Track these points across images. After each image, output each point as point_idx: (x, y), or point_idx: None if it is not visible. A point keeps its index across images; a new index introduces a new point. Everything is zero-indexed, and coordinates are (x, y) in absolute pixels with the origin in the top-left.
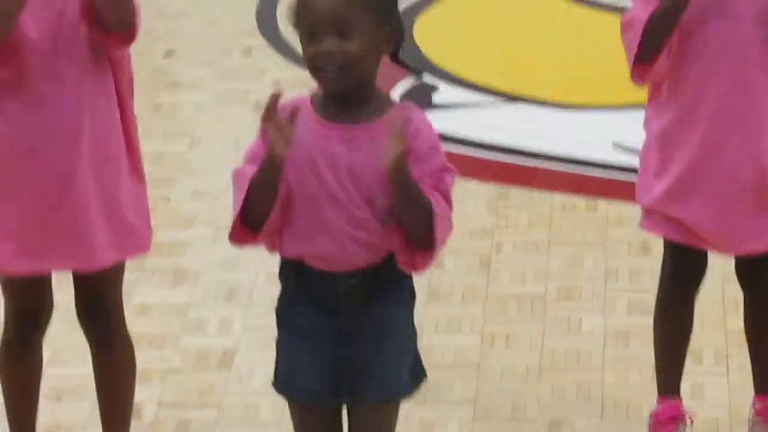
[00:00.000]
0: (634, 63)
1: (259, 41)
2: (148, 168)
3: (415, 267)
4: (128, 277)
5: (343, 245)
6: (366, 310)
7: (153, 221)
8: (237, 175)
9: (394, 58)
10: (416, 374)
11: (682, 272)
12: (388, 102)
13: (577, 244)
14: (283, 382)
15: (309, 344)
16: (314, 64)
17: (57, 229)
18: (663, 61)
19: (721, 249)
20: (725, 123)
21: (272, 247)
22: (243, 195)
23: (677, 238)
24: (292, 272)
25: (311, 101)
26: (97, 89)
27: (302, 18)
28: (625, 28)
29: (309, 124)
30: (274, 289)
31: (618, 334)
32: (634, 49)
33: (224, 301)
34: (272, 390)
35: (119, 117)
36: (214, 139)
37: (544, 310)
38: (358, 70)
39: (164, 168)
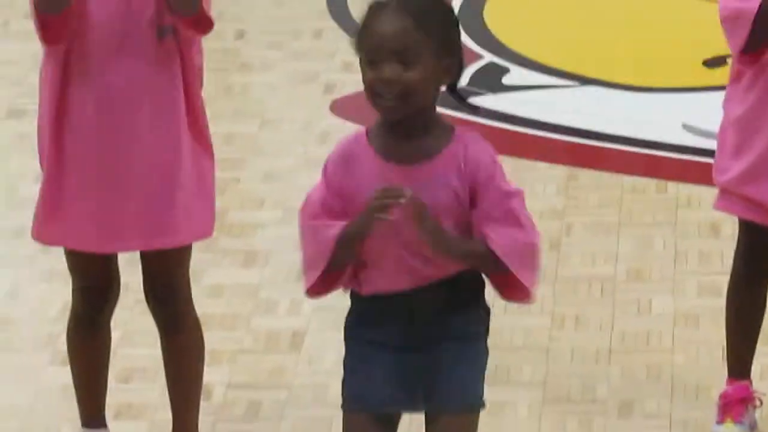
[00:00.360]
0: (742, 53)
1: (330, 23)
2: (218, 149)
3: (518, 298)
4: (199, 257)
5: (415, 279)
6: (442, 320)
7: (223, 202)
8: (311, 230)
9: (452, 90)
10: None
11: (756, 254)
12: (449, 131)
13: (647, 226)
14: (354, 399)
15: (383, 355)
16: (373, 90)
17: (127, 211)
18: None
19: None
20: None
21: (346, 287)
22: (327, 257)
23: (754, 218)
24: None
25: (367, 135)
26: (161, 75)
27: (364, 42)
28: (729, 17)
29: (369, 163)
30: None
31: (688, 316)
32: (742, 40)
33: (294, 282)
34: (342, 370)
35: (184, 103)
36: (285, 120)
37: (614, 292)
38: (417, 99)
39: (235, 149)
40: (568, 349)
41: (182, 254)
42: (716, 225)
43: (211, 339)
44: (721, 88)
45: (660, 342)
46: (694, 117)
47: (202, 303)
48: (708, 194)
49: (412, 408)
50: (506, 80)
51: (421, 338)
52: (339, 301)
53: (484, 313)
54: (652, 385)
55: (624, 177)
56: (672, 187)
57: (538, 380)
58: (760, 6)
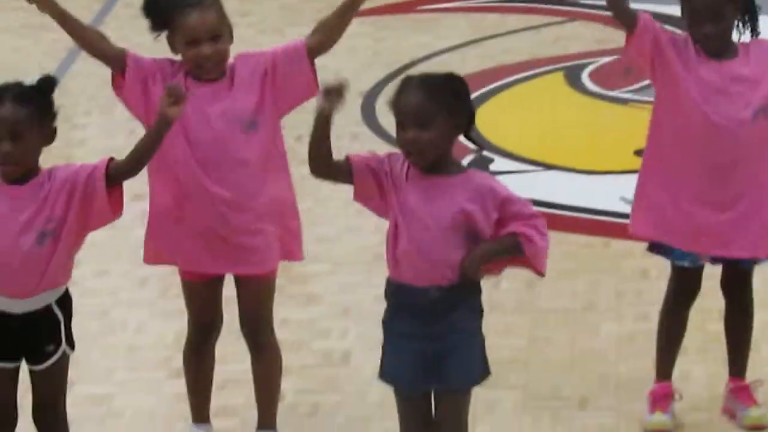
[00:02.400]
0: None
1: (364, 129)
2: None
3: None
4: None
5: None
6: (449, 317)
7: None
8: None
9: (467, 136)
10: (485, 369)
11: (683, 288)
12: (461, 167)
13: (597, 272)
14: (388, 375)
15: (407, 344)
16: (402, 147)
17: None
18: None
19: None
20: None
21: None
22: None
23: (661, 238)
24: (391, 290)
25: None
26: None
27: (394, 109)
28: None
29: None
30: (379, 307)
31: (628, 337)
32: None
33: (342, 316)
34: (378, 380)
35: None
36: (332, 198)
37: (574, 320)
38: (434, 152)
39: None
40: (541, 361)
41: (269, 289)
42: (646, 271)
43: (283, 358)
44: None
45: (606, 356)
46: (628, 191)
47: (276, 332)
48: (639, 247)
49: (428, 387)
50: (492, 167)
51: (435, 330)
52: (376, 331)
53: (479, 310)
54: (602, 386)
55: (579, 236)
56: (614, 242)
57: (520, 384)
58: None
